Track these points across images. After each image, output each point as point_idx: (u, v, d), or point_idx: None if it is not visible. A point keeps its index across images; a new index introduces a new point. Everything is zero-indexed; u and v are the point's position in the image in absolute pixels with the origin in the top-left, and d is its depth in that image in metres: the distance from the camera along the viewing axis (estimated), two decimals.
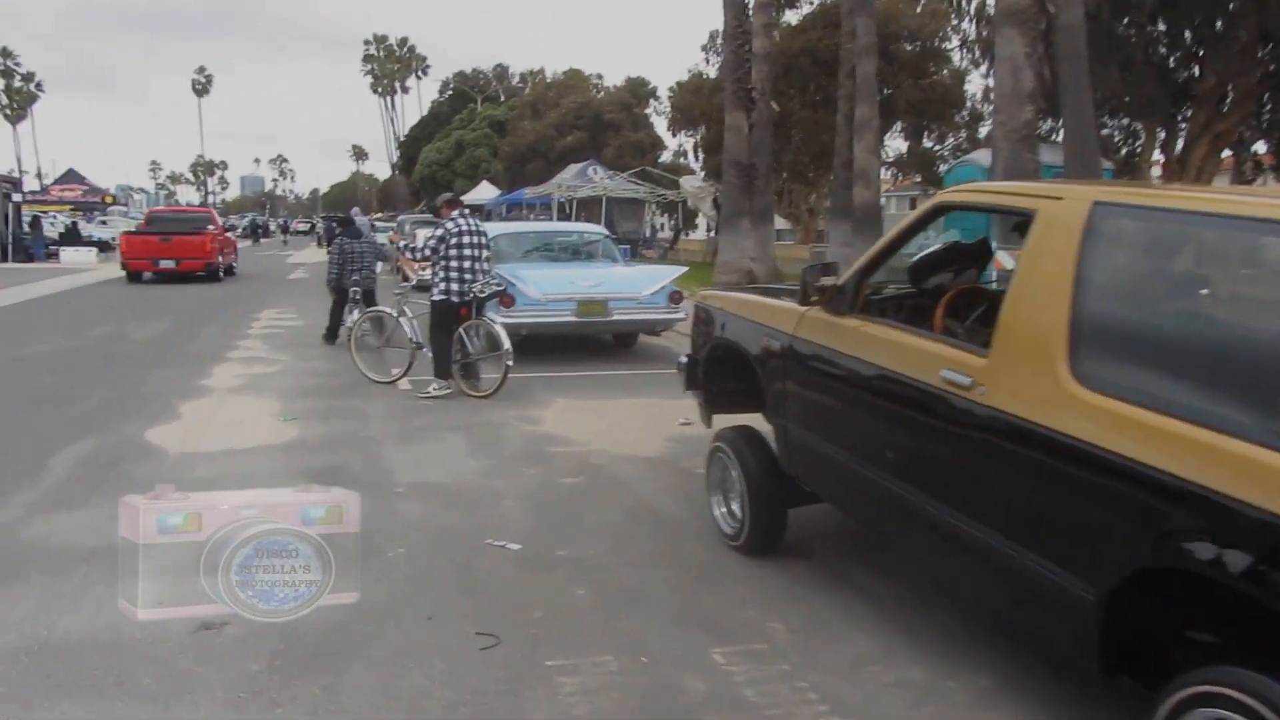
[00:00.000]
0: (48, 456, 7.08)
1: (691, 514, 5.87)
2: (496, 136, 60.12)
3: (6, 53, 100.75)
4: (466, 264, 9.46)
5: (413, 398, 9.57)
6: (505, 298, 10.91)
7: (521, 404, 9.30)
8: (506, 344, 9.43)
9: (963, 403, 3.50)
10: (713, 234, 31.26)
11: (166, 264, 24.00)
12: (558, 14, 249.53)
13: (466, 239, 9.50)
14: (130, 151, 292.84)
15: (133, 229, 29.13)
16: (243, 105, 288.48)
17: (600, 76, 65.00)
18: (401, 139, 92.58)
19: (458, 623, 4.34)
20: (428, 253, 9.71)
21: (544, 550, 5.28)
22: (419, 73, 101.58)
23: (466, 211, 9.97)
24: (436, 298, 9.59)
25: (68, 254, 34.72)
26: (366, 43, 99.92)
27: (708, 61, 50.89)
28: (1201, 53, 18.14)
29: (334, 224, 41.52)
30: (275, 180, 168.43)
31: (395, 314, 10.42)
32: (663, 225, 47.62)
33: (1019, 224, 4.06)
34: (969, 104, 27.36)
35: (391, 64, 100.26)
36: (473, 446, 7.63)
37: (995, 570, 3.41)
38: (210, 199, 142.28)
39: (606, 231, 15.52)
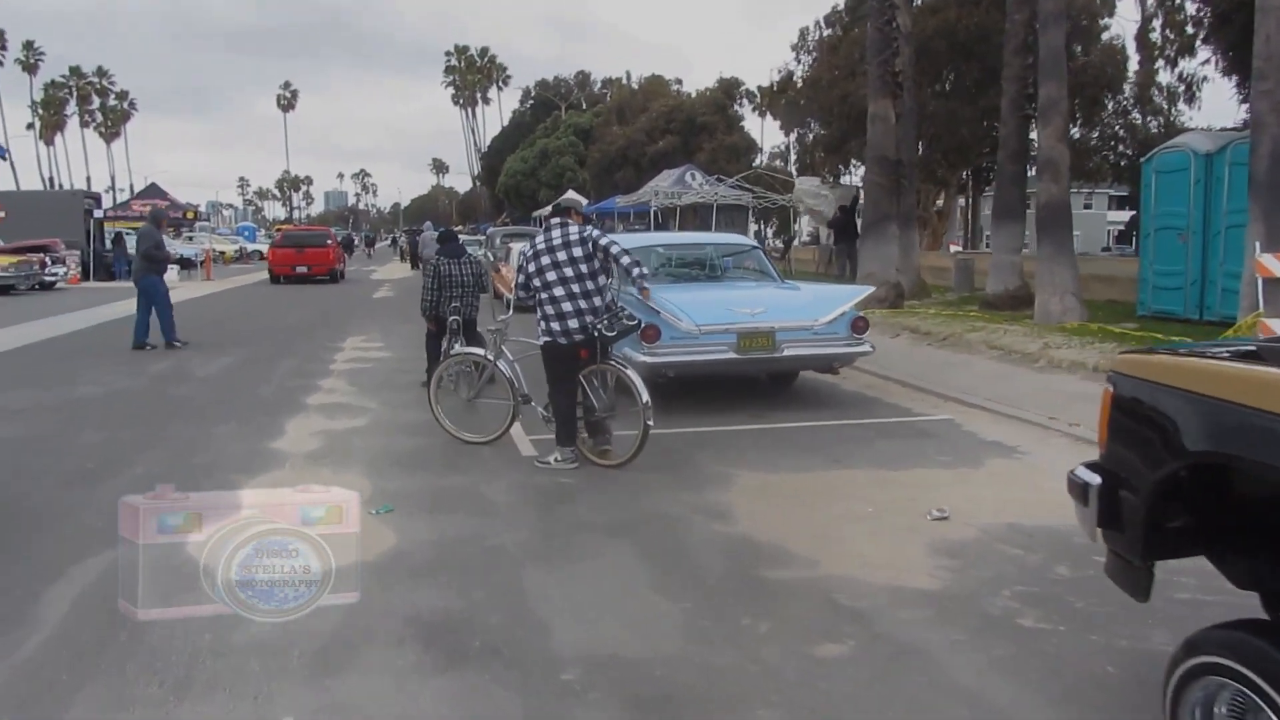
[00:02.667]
0: (45, 584, 4.85)
1: None
2: (582, 144, 58.16)
3: (101, 72, 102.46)
4: (559, 291, 7.08)
5: (541, 471, 7.19)
6: (647, 330, 8.51)
7: (687, 479, 6.86)
8: (645, 395, 7.01)
9: None
10: (828, 241, 28.55)
11: (301, 269, 31.28)
12: (634, 22, 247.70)
13: (546, 259, 7.13)
14: (219, 168, 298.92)
15: (272, 243, 37.55)
16: (327, 121, 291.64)
17: (680, 81, 62.75)
18: (483, 150, 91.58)
19: None
20: (521, 293, 7.46)
21: None
22: (500, 83, 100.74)
23: (558, 222, 7.36)
24: (542, 341, 7.29)
25: None
26: (448, 54, 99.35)
27: (798, 61, 48.37)
28: None
29: (416, 237, 40.50)
30: (358, 195, 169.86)
31: (492, 355, 8.08)
32: (763, 234, 44.90)
33: None
34: (1129, 87, 24.28)
35: (473, 74, 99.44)
36: (652, 568, 5.17)
37: None
38: (295, 214, 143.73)
39: (755, 242, 13.02)
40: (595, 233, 7.20)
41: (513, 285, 7.64)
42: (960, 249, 32.01)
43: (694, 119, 47.45)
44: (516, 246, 22.18)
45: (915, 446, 7.88)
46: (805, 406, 9.67)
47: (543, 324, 7.19)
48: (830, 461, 7.37)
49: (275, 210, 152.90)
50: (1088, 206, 72.05)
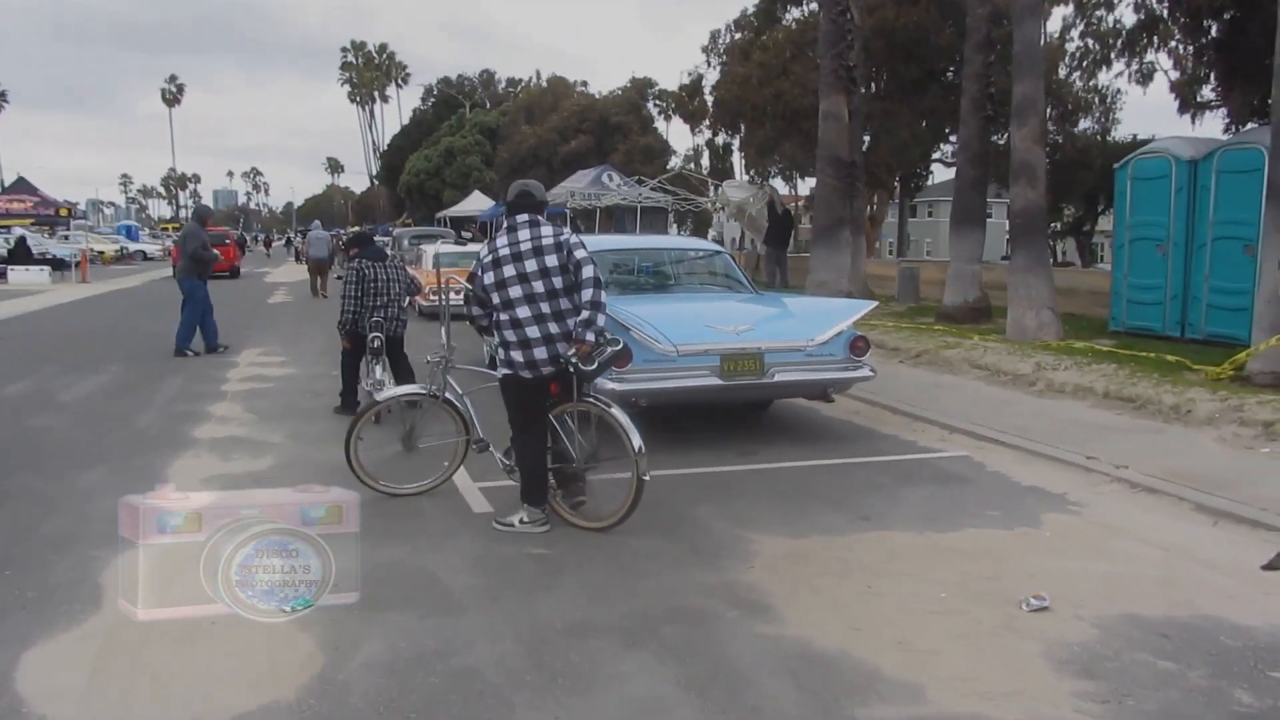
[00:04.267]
0: None
1: None
2: (489, 144, 56.19)
3: None
4: (524, 311, 5.50)
5: (503, 536, 5.64)
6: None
7: (695, 547, 5.42)
8: (637, 440, 5.49)
9: None
10: (753, 247, 27.40)
11: None
12: (534, 26, 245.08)
13: (510, 270, 5.53)
14: (102, 166, 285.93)
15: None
16: (216, 119, 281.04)
17: (585, 84, 61.22)
18: (382, 149, 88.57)
19: None
20: (472, 310, 5.93)
21: None
22: (399, 81, 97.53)
23: (525, 220, 5.64)
24: (501, 374, 5.73)
25: (16, 274, 30.48)
26: (344, 50, 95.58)
27: (709, 64, 47.44)
28: None
29: (305, 236, 38.42)
30: (249, 194, 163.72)
31: (435, 390, 6.34)
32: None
33: None
34: (1075, 95, 23.71)
35: (370, 72, 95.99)
36: (702, 706, 3.69)
37: None
38: (182, 213, 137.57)
39: (720, 246, 11.59)
40: (572, 238, 5.65)
41: (471, 314, 6.00)
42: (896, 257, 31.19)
43: (607, 119, 46.00)
44: (429, 249, 20.45)
45: (948, 495, 6.57)
46: (796, 439, 8.31)
47: (502, 352, 5.64)
48: (858, 519, 6.00)
49: (161, 209, 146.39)
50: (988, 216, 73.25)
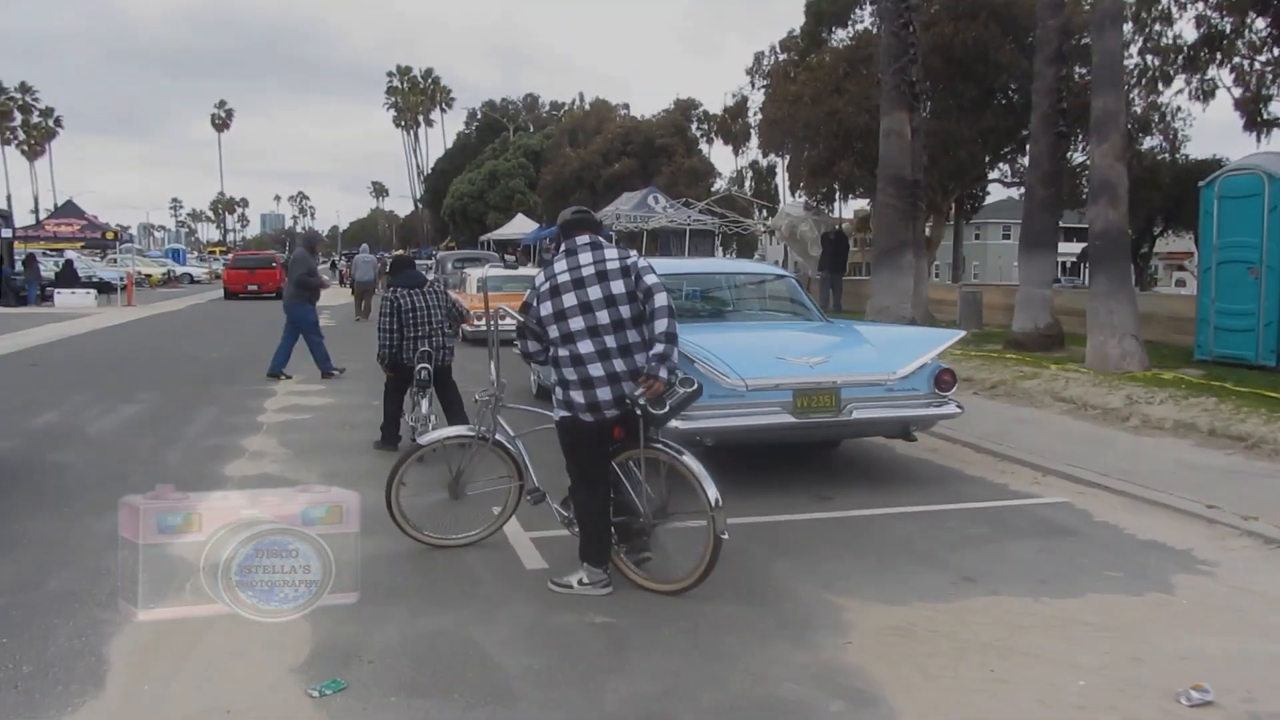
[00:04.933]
0: None
1: None
2: (533, 167, 55.97)
3: (25, 88, 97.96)
4: (586, 346, 4.83)
5: (560, 599, 4.98)
6: None
7: (779, 617, 4.74)
8: (713, 491, 4.80)
9: None
10: (805, 271, 26.68)
11: (252, 287, 36.02)
12: (575, 49, 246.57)
13: (570, 299, 4.85)
14: (153, 190, 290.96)
15: (225, 265, 44.25)
16: (264, 143, 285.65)
17: (626, 107, 60.95)
18: (426, 173, 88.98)
19: None
20: (528, 346, 5.16)
21: None
22: (443, 105, 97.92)
23: (586, 242, 5.01)
24: (559, 416, 5.04)
25: (62, 297, 30.48)
26: (390, 74, 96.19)
27: (753, 85, 46.92)
28: None
29: (349, 259, 38.44)
30: (295, 217, 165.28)
31: (485, 432, 5.70)
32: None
33: None
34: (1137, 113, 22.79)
35: (415, 96, 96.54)
36: None
37: None
38: (230, 236, 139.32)
39: (786, 271, 10.90)
40: (640, 261, 5.00)
41: (524, 348, 5.30)
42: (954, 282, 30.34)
43: (652, 141, 45.54)
44: (474, 273, 19.95)
45: (1057, 551, 5.82)
46: (873, 482, 7.59)
47: (560, 391, 4.97)
48: (960, 580, 5.27)
49: (209, 232, 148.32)
50: (1005, 236, 71.40)
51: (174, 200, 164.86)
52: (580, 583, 5.01)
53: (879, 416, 7.22)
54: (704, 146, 55.41)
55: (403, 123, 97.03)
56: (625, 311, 4.87)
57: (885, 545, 5.94)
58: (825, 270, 22.46)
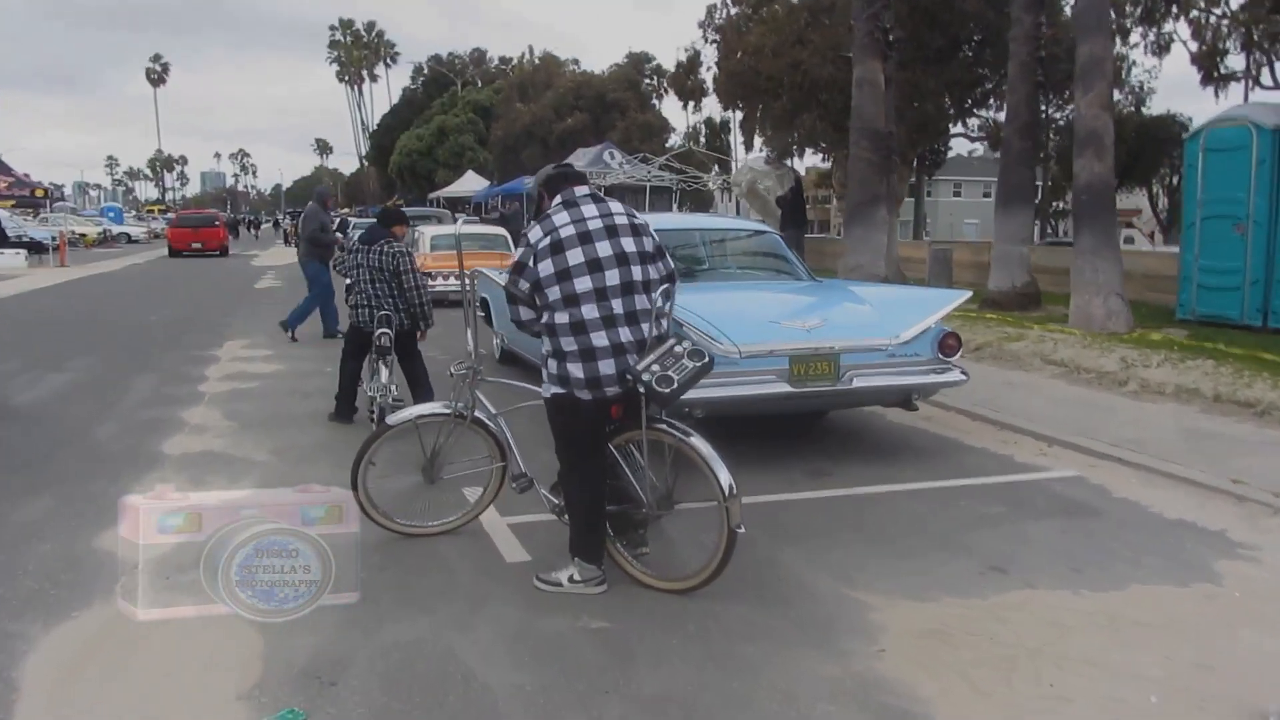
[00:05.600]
0: None
1: None
2: (482, 122, 54.64)
3: None
4: (591, 310, 4.20)
5: (548, 599, 4.40)
6: None
7: (797, 617, 4.21)
8: (725, 477, 4.22)
9: None
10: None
11: (196, 245, 36.52)
12: (525, 2, 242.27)
13: (575, 256, 4.22)
14: (88, 148, 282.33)
15: (169, 224, 43.98)
16: (203, 100, 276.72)
17: (576, 62, 59.60)
18: (372, 129, 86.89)
19: None
20: (521, 313, 4.46)
21: None
22: (388, 60, 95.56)
23: (586, 193, 4.46)
24: (550, 393, 4.40)
25: None
26: (332, 28, 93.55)
27: (705, 39, 45.95)
28: None
29: (294, 218, 37.27)
30: (236, 176, 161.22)
31: (461, 409, 5.05)
32: None
33: None
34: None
35: (359, 50, 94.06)
36: None
37: None
38: (169, 195, 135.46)
39: (768, 227, 10.28)
40: (644, 218, 4.39)
41: (517, 316, 4.62)
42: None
43: (604, 95, 44.53)
44: (428, 231, 19.08)
45: (1084, 534, 5.36)
46: (870, 455, 7.09)
47: (554, 364, 4.32)
48: (989, 569, 4.78)
49: (148, 191, 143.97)
50: (986, 195, 71.59)
51: (110, 158, 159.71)
52: (571, 580, 4.43)
53: (881, 384, 6.70)
54: (656, 102, 54.49)
55: (346, 78, 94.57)
56: (636, 273, 4.28)
57: (897, 528, 5.44)
58: (787, 227, 21.92)
